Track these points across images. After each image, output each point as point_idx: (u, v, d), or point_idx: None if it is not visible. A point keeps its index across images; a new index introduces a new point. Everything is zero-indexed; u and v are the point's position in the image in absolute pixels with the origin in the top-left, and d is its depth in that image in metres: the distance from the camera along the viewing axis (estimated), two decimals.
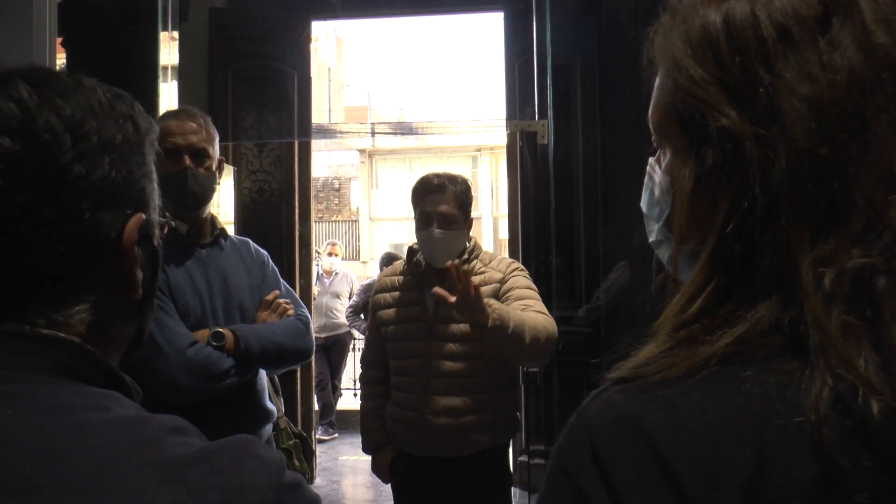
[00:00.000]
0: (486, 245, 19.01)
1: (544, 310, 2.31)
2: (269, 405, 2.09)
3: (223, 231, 2.10)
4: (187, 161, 1.97)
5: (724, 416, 0.52)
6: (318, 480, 5.42)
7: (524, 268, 2.49)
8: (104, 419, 0.59)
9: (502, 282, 2.37)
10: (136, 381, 2.13)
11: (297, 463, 2.47)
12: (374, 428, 2.51)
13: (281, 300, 2.11)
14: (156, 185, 0.74)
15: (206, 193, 2.02)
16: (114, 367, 0.66)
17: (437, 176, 2.44)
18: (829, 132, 0.53)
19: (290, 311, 2.10)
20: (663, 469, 0.52)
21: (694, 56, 0.58)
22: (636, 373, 0.56)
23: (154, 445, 0.57)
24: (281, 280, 2.20)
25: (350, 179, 22.30)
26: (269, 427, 2.12)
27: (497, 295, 2.34)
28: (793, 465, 0.50)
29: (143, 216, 0.69)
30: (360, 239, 21.18)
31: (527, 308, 2.25)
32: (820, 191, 0.53)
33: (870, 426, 0.49)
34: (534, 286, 2.41)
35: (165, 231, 0.77)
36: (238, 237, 2.17)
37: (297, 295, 2.21)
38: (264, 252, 2.22)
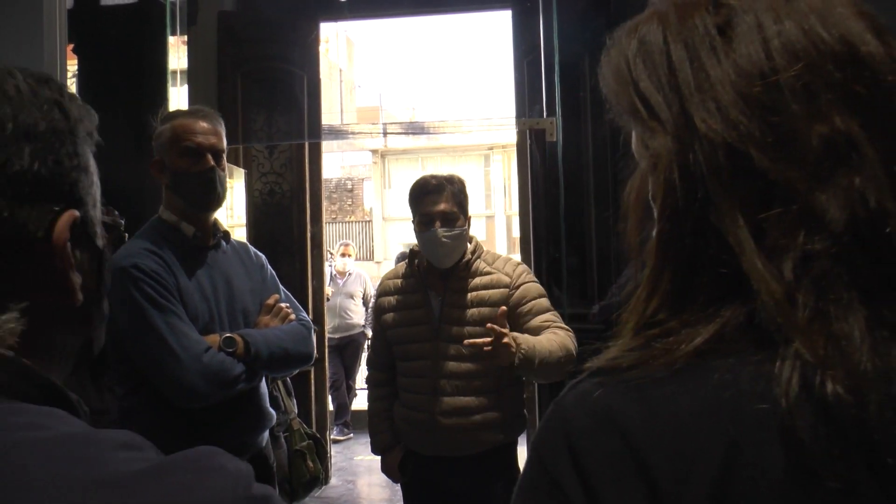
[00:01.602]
0: (500, 243, 18.98)
1: (561, 322, 2.36)
2: (270, 409, 2.10)
3: (226, 234, 2.11)
4: (211, 161, 1.98)
5: (697, 407, 0.53)
6: (333, 480, 5.44)
7: (529, 269, 2.51)
8: (42, 438, 0.52)
9: (511, 286, 2.37)
10: (142, 384, 2.09)
11: (310, 464, 2.49)
12: (382, 429, 2.53)
13: (282, 304, 2.11)
14: (95, 179, 0.66)
15: (225, 194, 2.05)
16: (55, 382, 0.58)
17: (434, 177, 2.46)
18: (733, 121, 0.55)
19: (292, 316, 2.10)
20: (636, 460, 0.53)
21: (617, 83, 0.63)
22: (613, 364, 0.57)
23: (100, 463, 0.50)
24: (279, 283, 2.21)
25: (363, 180, 22.35)
26: (267, 434, 2.12)
27: (507, 299, 2.34)
28: (765, 455, 0.51)
29: (76, 213, 0.61)
30: (374, 239, 21.22)
31: (550, 324, 2.30)
32: (744, 181, 0.55)
33: (831, 409, 0.49)
34: (544, 292, 2.43)
35: (104, 229, 0.70)
36: (236, 240, 2.18)
37: (295, 300, 2.21)
38: (262, 255, 2.23)
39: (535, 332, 2.28)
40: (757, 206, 0.54)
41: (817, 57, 0.55)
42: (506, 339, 2.07)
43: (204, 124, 1.99)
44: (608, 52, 0.64)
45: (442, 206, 2.37)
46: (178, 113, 2.05)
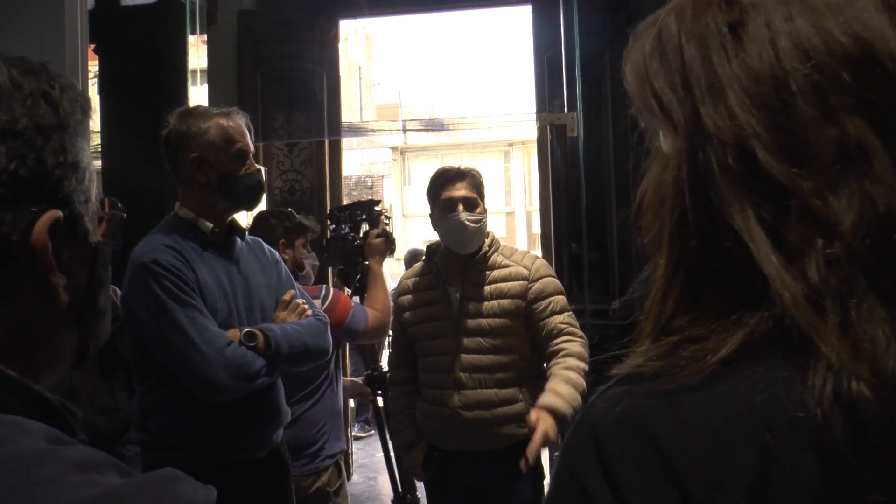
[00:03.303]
0: (521, 239, 18.92)
1: (576, 325, 2.39)
2: (286, 406, 2.11)
3: (242, 230, 2.12)
4: (256, 163, 2.06)
5: (730, 414, 0.51)
6: (355, 477, 5.45)
7: (546, 262, 2.53)
8: None
9: (529, 279, 2.39)
10: (161, 382, 2.09)
11: None
12: (405, 426, 2.54)
13: (298, 300, 2.12)
14: (88, 173, 0.63)
15: None
16: (33, 387, 0.55)
17: (451, 167, 2.50)
18: (741, 122, 0.54)
19: (309, 311, 2.11)
20: (667, 468, 0.51)
21: (635, 81, 0.62)
22: (639, 371, 0.56)
23: (51, 487, 0.47)
24: (293, 279, 2.22)
25: (383, 177, 22.37)
26: (282, 430, 2.13)
27: (525, 292, 2.36)
28: (800, 464, 0.49)
29: (59, 213, 0.59)
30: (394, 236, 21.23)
31: (564, 329, 2.34)
32: (756, 182, 0.54)
33: (862, 416, 0.48)
34: (562, 287, 2.45)
35: (102, 225, 0.69)
36: (250, 237, 2.19)
37: (308, 296, 2.22)
38: (276, 252, 2.25)
39: (550, 334, 2.34)
40: (771, 208, 0.53)
41: (828, 57, 0.53)
42: (538, 442, 2.13)
43: (244, 126, 2.05)
44: (630, 47, 0.64)
45: (464, 192, 2.40)
46: (213, 111, 2.05)
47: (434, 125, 21.21)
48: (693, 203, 0.56)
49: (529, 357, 2.42)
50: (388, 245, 2.86)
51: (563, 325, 2.34)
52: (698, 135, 0.56)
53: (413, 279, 2.55)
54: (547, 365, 2.37)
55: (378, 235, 2.82)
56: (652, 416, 0.53)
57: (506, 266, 2.41)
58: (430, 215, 2.50)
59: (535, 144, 5.05)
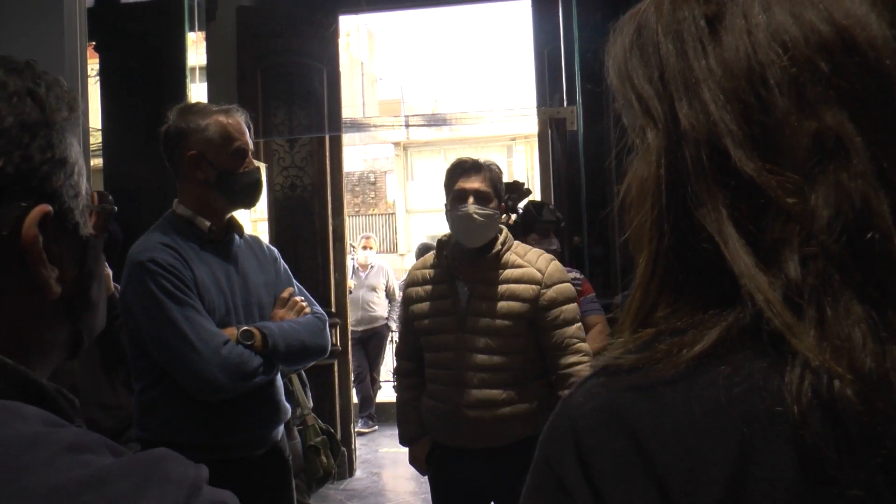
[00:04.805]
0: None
1: (583, 337, 2.35)
2: (286, 403, 2.11)
3: (240, 228, 2.11)
4: (254, 161, 2.05)
5: (708, 407, 0.51)
6: (358, 473, 5.46)
7: (561, 266, 2.45)
8: None
9: (542, 284, 2.33)
10: (159, 379, 2.10)
11: (324, 460, 2.50)
12: (410, 420, 2.52)
13: (296, 297, 2.12)
14: (78, 167, 0.65)
15: None
16: (30, 375, 0.57)
17: (471, 158, 2.46)
18: (714, 119, 0.54)
19: (307, 309, 2.11)
20: (645, 461, 0.51)
21: (616, 76, 0.62)
22: (617, 364, 0.55)
23: (42, 469, 0.49)
24: (292, 277, 2.21)
25: (385, 173, 22.36)
26: (282, 427, 2.13)
27: (536, 297, 2.31)
28: (778, 457, 0.49)
29: (48, 208, 0.60)
30: (397, 232, 21.24)
31: (571, 346, 2.31)
32: (730, 180, 0.53)
33: (842, 415, 0.47)
34: (574, 293, 2.41)
35: (102, 218, 0.70)
36: (249, 234, 2.19)
37: (308, 293, 2.21)
38: (275, 249, 2.24)
39: (559, 346, 2.31)
40: (747, 206, 0.52)
41: (806, 48, 0.52)
42: None
43: (243, 124, 2.04)
44: (612, 41, 0.63)
45: (476, 185, 2.36)
46: (212, 108, 2.05)
47: (436, 120, 21.17)
48: (670, 201, 0.55)
49: (534, 358, 2.37)
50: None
51: (573, 340, 2.31)
52: (675, 131, 0.55)
53: (423, 271, 2.52)
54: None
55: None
56: (629, 408, 0.53)
57: (519, 266, 2.36)
58: (444, 206, 2.46)
59: (537, 138, 5.04)
